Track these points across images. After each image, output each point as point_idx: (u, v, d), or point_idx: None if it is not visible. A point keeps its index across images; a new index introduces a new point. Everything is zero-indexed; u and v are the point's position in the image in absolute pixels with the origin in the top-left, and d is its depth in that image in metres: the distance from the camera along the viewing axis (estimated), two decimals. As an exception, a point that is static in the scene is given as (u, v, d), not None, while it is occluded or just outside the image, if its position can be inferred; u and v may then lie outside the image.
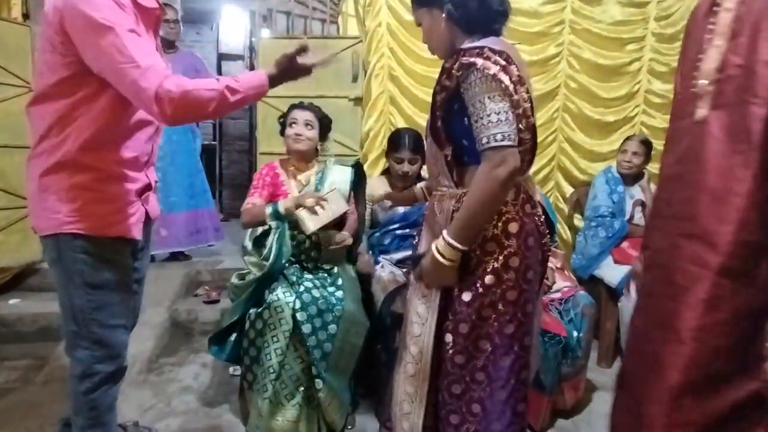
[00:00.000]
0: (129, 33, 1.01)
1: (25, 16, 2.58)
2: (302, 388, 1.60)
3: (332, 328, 1.58)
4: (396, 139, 2.05)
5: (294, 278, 1.68)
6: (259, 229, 1.77)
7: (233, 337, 1.69)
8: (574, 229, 2.66)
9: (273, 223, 1.68)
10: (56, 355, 2.08)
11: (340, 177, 1.87)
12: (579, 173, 2.66)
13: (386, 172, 2.17)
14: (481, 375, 1.13)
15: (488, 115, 1.02)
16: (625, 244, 2.33)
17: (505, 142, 1.02)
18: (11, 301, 2.45)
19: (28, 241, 2.55)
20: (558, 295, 2.01)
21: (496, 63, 1.03)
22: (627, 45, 2.65)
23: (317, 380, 1.58)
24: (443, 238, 1.08)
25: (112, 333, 1.20)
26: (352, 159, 2.15)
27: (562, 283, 2.07)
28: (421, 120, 2.48)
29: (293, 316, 1.57)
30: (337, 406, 1.62)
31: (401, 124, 2.43)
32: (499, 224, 1.10)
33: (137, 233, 1.21)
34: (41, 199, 1.11)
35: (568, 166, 2.68)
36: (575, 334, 1.89)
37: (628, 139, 2.44)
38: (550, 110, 2.63)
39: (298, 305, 1.57)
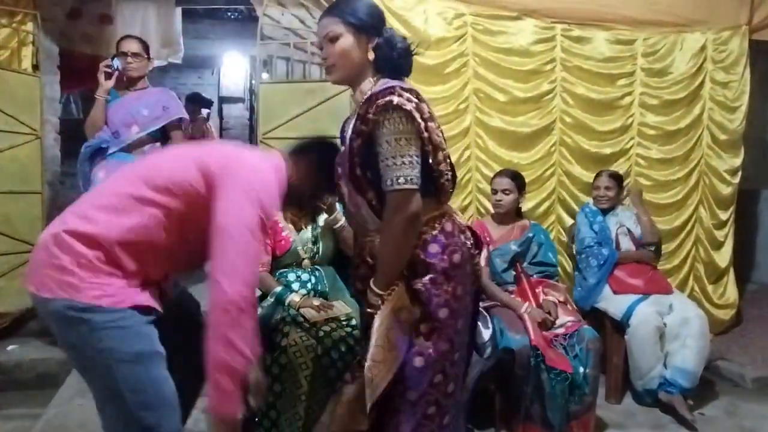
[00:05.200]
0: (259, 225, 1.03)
1: (35, 67, 2.68)
2: None
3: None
4: None
5: (308, 324, 1.68)
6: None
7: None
8: (576, 261, 2.65)
9: (271, 299, 1.79)
10: (54, 404, 2.04)
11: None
12: (578, 206, 2.66)
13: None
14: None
15: (393, 157, 1.05)
16: (620, 273, 2.32)
17: (407, 186, 1.05)
18: (9, 347, 2.42)
19: (29, 286, 2.54)
20: (562, 330, 1.99)
21: (409, 100, 1.07)
22: (618, 80, 2.73)
23: None
24: (371, 289, 1.11)
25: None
26: None
27: (565, 318, 2.04)
28: (419, 157, 2.52)
29: (315, 361, 1.57)
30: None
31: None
32: (445, 257, 1.13)
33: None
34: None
35: (568, 200, 2.70)
36: (581, 370, 1.85)
37: (598, 175, 2.51)
38: (547, 144, 2.67)
39: (320, 350, 1.58)
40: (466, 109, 2.58)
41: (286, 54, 2.79)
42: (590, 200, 2.56)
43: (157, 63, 3.54)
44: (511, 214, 2.26)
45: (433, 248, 1.13)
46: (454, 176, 1.20)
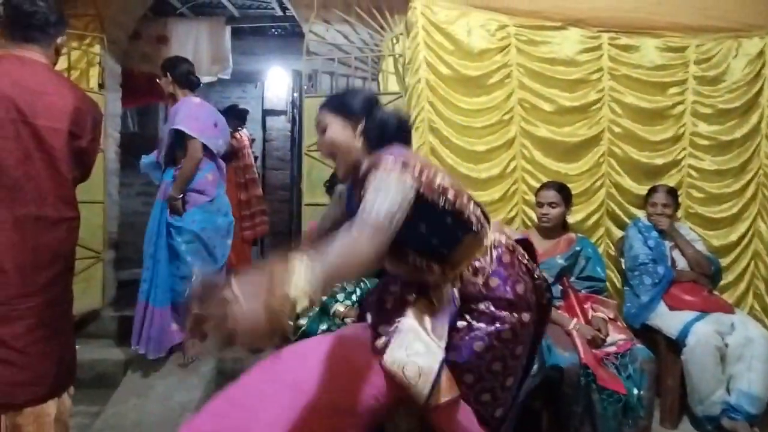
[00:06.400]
0: None
1: (101, 85, 2.88)
2: None
3: None
4: None
5: None
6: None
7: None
8: (625, 276, 2.56)
9: (316, 309, 1.83)
10: (112, 403, 2.15)
11: None
12: (628, 219, 2.57)
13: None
14: None
15: (378, 191, 1.00)
16: (675, 290, 2.22)
17: (385, 221, 0.98)
18: (72, 348, 2.57)
19: (90, 290, 2.71)
20: (613, 349, 1.92)
21: (400, 155, 1.06)
22: (669, 89, 2.63)
23: None
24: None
25: None
26: None
27: (616, 336, 1.97)
28: (463, 169, 2.52)
29: None
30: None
31: (442, 173, 2.47)
32: (508, 288, 1.13)
33: None
34: None
35: (618, 212, 2.61)
36: (635, 391, 1.78)
37: (653, 190, 2.39)
38: (596, 155, 2.60)
39: None
40: (510, 120, 2.56)
41: (330, 68, 2.87)
42: (642, 215, 2.47)
43: (207, 79, 3.74)
44: (557, 228, 2.22)
45: (494, 282, 1.13)
46: (484, 212, 1.21)
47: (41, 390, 1.33)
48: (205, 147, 2.36)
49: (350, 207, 1.23)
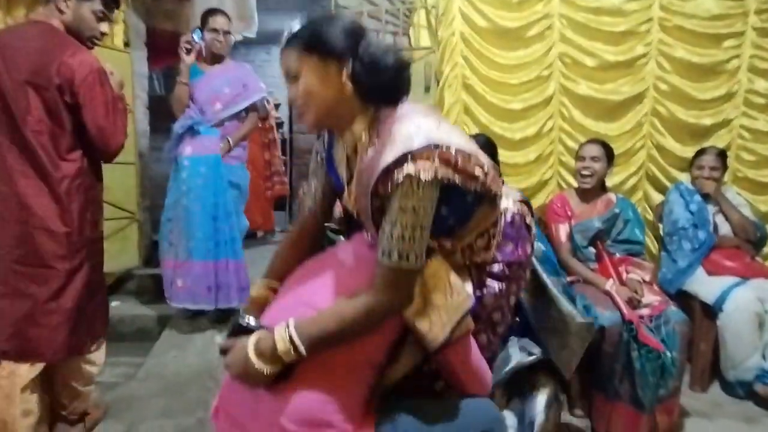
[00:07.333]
0: None
1: (126, 44, 2.84)
2: None
3: None
4: None
5: None
6: None
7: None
8: (661, 241, 2.48)
9: None
10: (152, 355, 2.26)
11: None
12: (669, 182, 2.47)
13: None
14: None
15: (405, 228, 0.83)
16: (715, 256, 2.14)
17: (413, 265, 0.86)
18: (113, 304, 2.67)
19: (126, 249, 2.79)
20: (647, 311, 1.88)
21: (429, 158, 0.83)
22: (724, 41, 2.44)
23: None
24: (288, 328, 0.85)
25: None
26: None
27: (651, 297, 1.94)
28: (497, 128, 2.44)
29: None
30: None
31: (475, 132, 2.40)
32: (519, 251, 1.13)
33: None
34: None
35: (658, 175, 2.50)
36: (668, 354, 1.76)
37: (701, 152, 2.25)
38: (638, 114, 2.47)
39: None
40: (549, 76, 2.44)
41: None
42: (685, 178, 2.35)
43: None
44: (596, 188, 2.14)
45: (508, 247, 1.11)
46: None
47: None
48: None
49: (332, 171, 1.05)
